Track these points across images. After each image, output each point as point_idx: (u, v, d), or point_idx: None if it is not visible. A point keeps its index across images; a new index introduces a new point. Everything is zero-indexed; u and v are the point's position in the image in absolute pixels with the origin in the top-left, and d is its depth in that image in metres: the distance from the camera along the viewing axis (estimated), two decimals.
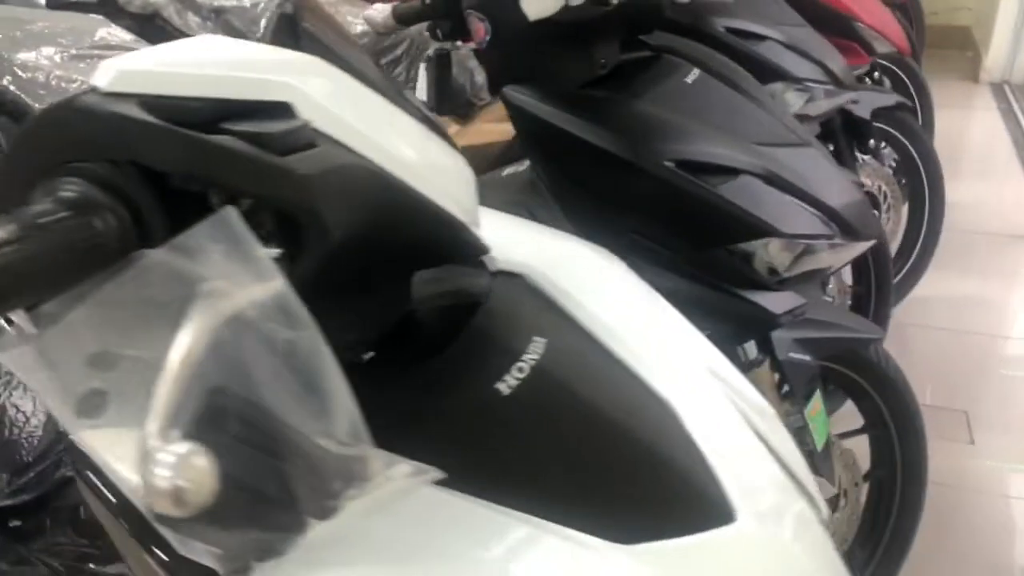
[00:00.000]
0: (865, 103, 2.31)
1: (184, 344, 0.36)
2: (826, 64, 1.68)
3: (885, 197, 2.44)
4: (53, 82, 1.40)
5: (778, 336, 1.31)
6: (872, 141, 2.31)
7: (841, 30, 2.02)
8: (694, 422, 0.64)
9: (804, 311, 1.16)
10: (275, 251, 0.42)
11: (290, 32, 0.53)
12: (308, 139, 0.45)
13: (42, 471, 0.92)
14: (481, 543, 0.51)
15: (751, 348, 1.29)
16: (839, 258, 1.20)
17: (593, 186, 1.09)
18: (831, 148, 2.27)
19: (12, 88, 1.40)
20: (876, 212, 2.44)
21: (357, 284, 0.56)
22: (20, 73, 1.42)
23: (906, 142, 2.46)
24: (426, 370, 0.59)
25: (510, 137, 1.50)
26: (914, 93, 2.94)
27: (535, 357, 0.61)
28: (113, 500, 0.52)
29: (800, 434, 1.36)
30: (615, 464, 0.59)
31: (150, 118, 0.39)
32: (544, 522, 0.53)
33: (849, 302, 2.11)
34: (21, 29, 1.52)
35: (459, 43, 1.56)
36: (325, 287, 0.47)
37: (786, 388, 1.33)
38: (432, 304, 0.67)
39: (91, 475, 0.52)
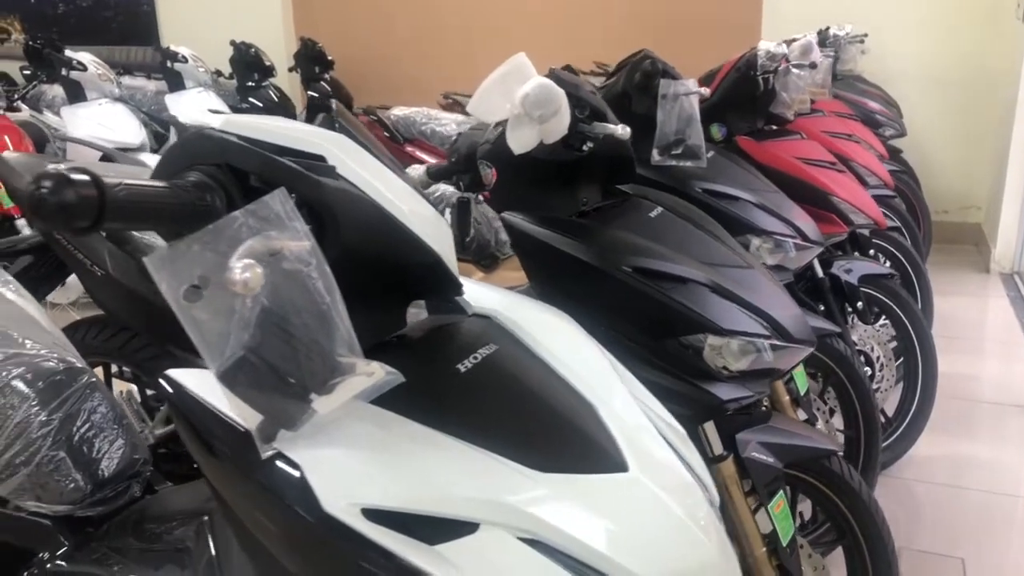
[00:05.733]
0: (855, 270, 2.59)
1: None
2: (793, 222, 1.96)
3: (877, 357, 2.65)
4: None
5: (742, 437, 1.52)
6: (860, 304, 2.56)
7: (819, 202, 2.33)
8: (606, 412, 0.87)
9: (752, 402, 1.37)
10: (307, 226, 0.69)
11: (330, 124, 0.83)
12: (333, 174, 0.74)
13: (116, 489, 1.15)
14: (431, 449, 0.74)
15: (716, 444, 1.49)
16: (784, 361, 1.42)
17: (570, 289, 1.36)
18: (822, 308, 2.53)
19: None
20: (869, 371, 2.64)
21: (360, 294, 0.82)
22: None
23: (897, 309, 2.68)
24: (410, 350, 0.84)
25: (526, 283, 1.80)
26: (912, 272, 3.20)
27: (487, 353, 0.86)
28: (202, 429, 0.75)
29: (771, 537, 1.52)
30: (537, 421, 0.82)
31: (241, 142, 0.69)
32: (477, 447, 0.76)
33: (842, 447, 2.27)
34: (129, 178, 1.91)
35: (479, 196, 1.91)
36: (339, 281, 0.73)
37: (749, 485, 1.51)
38: (420, 331, 0.92)
39: (188, 412, 0.76)
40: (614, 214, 1.45)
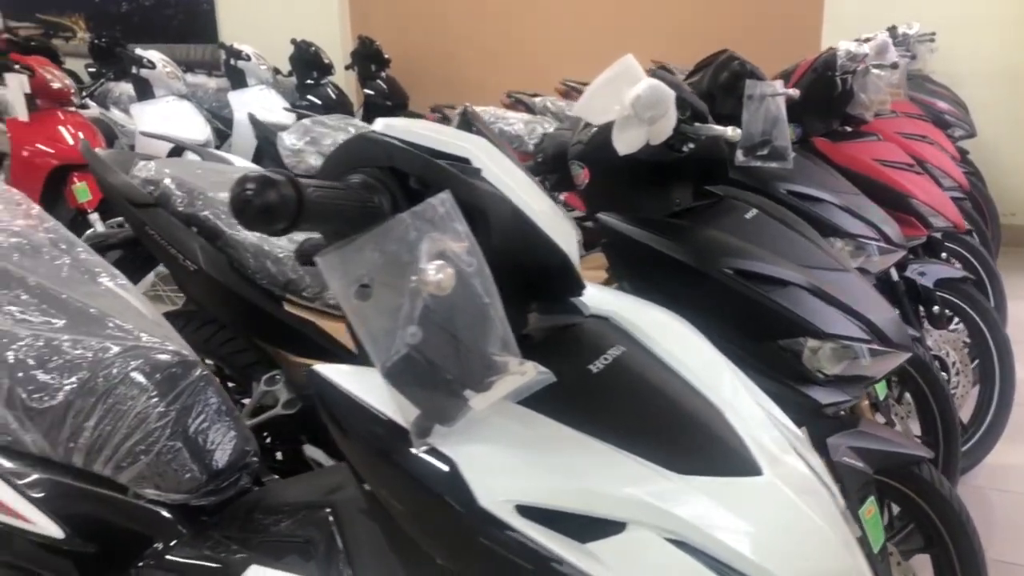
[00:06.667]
0: (930, 274, 2.55)
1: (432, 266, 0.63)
2: (878, 225, 1.94)
3: (953, 363, 2.60)
4: None
5: (833, 441, 1.50)
6: (936, 308, 2.52)
7: (897, 204, 2.30)
8: (731, 415, 0.87)
9: (848, 407, 1.36)
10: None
11: (467, 126, 0.85)
12: (479, 176, 0.76)
13: (228, 480, 1.18)
14: (576, 449, 0.75)
15: None
16: (879, 368, 1.41)
17: (665, 289, 1.35)
18: (896, 313, 2.49)
19: (211, 216, 1.79)
20: (944, 375, 2.59)
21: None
22: (218, 207, 1.83)
23: (973, 314, 2.64)
24: (540, 350, 0.85)
25: (601, 281, 1.80)
26: (984, 275, 3.14)
27: (616, 354, 0.87)
28: (351, 423, 0.77)
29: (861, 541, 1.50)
30: (671, 423, 0.83)
31: (404, 145, 0.71)
32: (615, 447, 0.76)
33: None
34: (219, 175, 1.96)
35: (560, 196, 1.91)
36: None
37: (839, 489, 1.50)
38: (542, 333, 0.93)
39: (335, 406, 0.78)
40: (709, 215, 1.45)
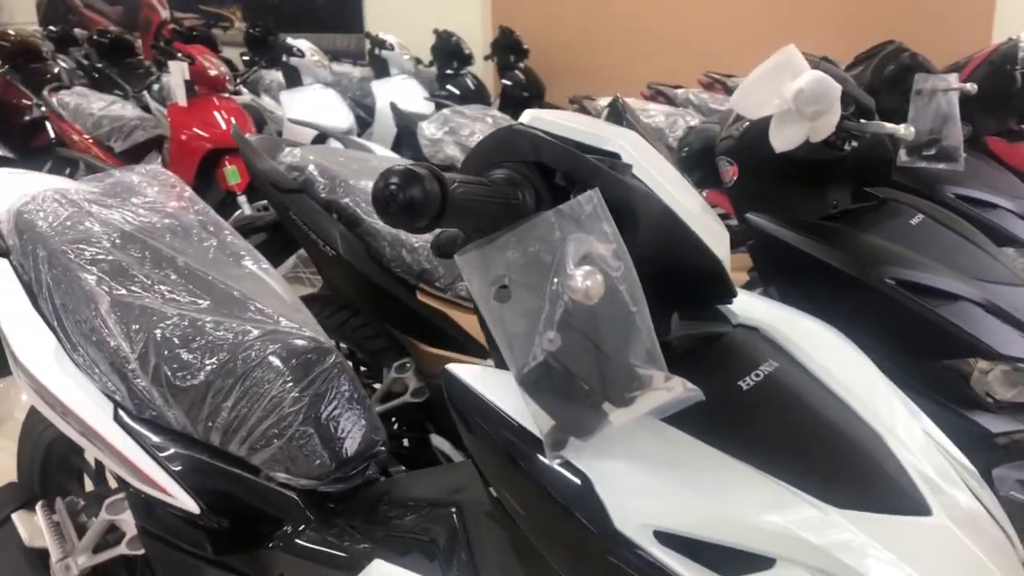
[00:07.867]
0: None
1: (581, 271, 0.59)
2: None
3: None
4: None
5: (1000, 473, 1.36)
6: None
7: None
8: (895, 444, 0.79)
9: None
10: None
11: (616, 118, 0.80)
12: (630, 173, 0.70)
13: (356, 468, 1.18)
14: (722, 473, 0.69)
15: None
16: None
17: (818, 298, 1.26)
18: None
19: (351, 204, 1.81)
20: None
21: None
22: (358, 195, 1.84)
23: None
24: (685, 361, 0.79)
25: (743, 284, 1.71)
26: None
27: (769, 370, 0.80)
28: (481, 425, 0.74)
29: None
30: (828, 449, 0.75)
31: (551, 139, 0.67)
32: (765, 474, 0.70)
33: None
34: (360, 164, 1.98)
35: (705, 192, 1.83)
36: None
37: None
38: (685, 342, 0.87)
39: (468, 409, 0.75)
40: (870, 219, 1.34)
